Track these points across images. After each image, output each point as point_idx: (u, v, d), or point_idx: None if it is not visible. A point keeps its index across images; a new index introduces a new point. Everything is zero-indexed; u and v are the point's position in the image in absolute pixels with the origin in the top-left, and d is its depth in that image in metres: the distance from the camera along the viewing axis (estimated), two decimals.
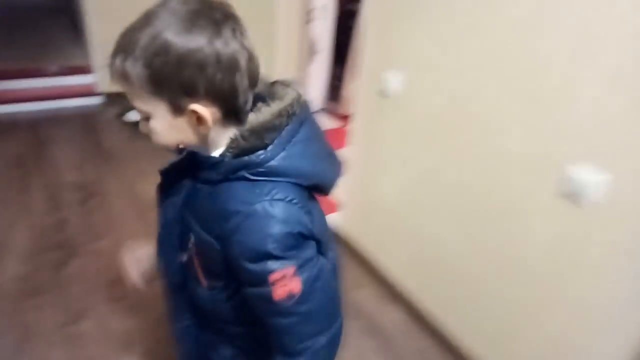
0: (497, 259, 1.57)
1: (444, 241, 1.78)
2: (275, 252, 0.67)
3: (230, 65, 0.63)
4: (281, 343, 0.75)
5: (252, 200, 0.67)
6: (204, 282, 0.83)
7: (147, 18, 0.62)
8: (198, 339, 0.95)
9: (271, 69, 2.69)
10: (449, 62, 1.59)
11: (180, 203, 0.78)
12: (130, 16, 0.65)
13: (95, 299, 1.91)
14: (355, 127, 2.16)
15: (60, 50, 4.36)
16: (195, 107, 0.64)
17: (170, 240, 0.83)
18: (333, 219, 2.50)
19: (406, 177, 1.90)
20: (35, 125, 3.34)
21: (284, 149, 0.69)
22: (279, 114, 0.69)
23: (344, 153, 2.25)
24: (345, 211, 2.36)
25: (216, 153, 0.71)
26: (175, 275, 0.86)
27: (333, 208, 2.57)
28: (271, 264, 0.67)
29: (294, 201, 0.69)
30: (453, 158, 1.66)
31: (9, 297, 1.89)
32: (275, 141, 0.68)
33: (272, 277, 0.68)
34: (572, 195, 1.28)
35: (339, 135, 2.30)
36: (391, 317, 2.00)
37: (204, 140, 0.70)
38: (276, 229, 0.66)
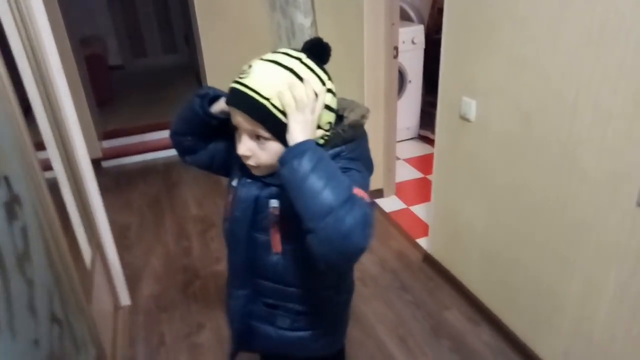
0: (582, 278, 1.54)
1: (527, 261, 1.77)
2: None
3: None
4: None
5: None
6: (278, 247, 0.97)
7: None
8: (252, 314, 1.09)
9: (362, 101, 2.89)
10: (524, 83, 1.64)
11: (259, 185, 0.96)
12: (238, 71, 0.87)
13: (213, 313, 2.24)
14: (438, 153, 2.25)
15: None
16: None
17: (245, 216, 0.98)
18: (423, 243, 2.58)
19: (487, 198, 1.94)
20: (169, 169, 3.95)
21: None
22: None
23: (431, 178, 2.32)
24: (433, 234, 2.42)
25: None
26: (243, 248, 1.02)
27: (422, 232, 2.65)
28: None
29: None
30: (532, 178, 1.68)
31: (146, 312, 2.30)
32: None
33: None
34: None
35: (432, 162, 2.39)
36: (482, 337, 2.01)
37: None
38: None
